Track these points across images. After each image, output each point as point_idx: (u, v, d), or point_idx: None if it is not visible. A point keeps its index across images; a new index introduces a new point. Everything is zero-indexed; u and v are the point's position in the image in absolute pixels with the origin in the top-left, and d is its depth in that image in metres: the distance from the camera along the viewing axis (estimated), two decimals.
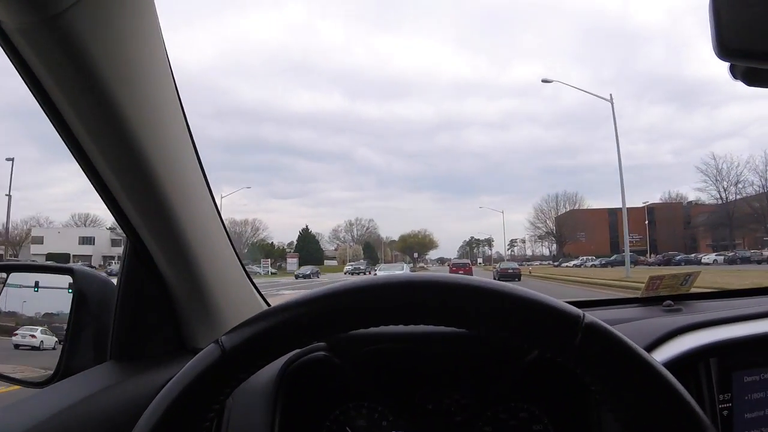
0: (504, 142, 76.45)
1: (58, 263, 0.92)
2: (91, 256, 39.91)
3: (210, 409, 0.44)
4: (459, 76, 78.10)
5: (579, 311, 0.43)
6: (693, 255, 34.89)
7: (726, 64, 0.50)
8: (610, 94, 17.64)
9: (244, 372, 0.44)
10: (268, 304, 1.00)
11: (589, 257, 39.21)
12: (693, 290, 1.05)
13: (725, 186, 41.34)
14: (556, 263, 41.90)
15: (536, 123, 74.47)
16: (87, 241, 43.22)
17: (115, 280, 0.82)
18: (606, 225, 48.90)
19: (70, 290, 0.86)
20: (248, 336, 0.44)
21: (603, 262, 35.55)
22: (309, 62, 75.33)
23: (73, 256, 38.14)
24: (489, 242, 65.34)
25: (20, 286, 0.91)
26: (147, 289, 0.79)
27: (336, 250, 56.20)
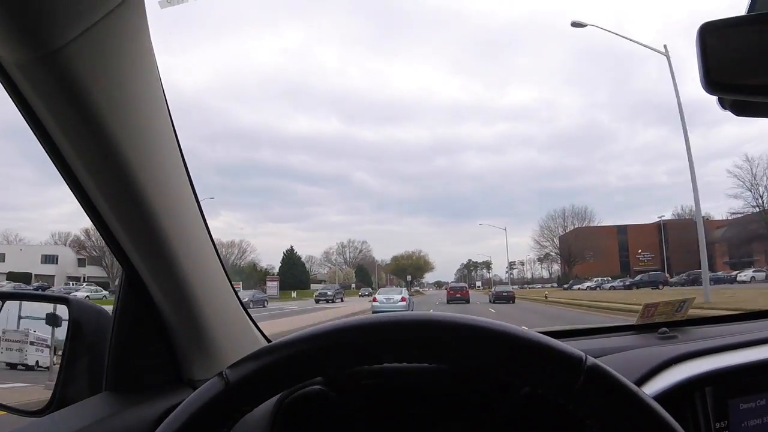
0: (500, 165, 79.16)
1: (53, 293, 0.97)
2: (53, 276, 38.95)
3: None
4: (455, 100, 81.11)
5: (581, 354, 0.46)
6: (722, 272, 32.89)
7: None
8: (665, 45, 16.56)
9: (247, 405, 0.48)
10: (264, 335, 1.06)
11: (605, 278, 37.55)
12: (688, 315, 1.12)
13: (761, 192, 38.19)
14: (565, 286, 40.96)
15: (531, 146, 77.54)
16: (50, 259, 42.09)
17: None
18: (615, 243, 48.80)
19: (48, 322, 0.92)
20: (252, 370, 0.48)
21: (627, 283, 33.45)
22: (306, 86, 77.91)
23: (35, 275, 37.42)
24: (487, 265, 65.86)
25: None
26: (142, 320, 0.83)
27: (327, 273, 55.90)
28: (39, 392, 0.89)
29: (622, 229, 48.91)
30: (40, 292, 1.30)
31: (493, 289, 29.47)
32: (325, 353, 0.47)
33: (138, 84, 0.63)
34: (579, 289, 35.65)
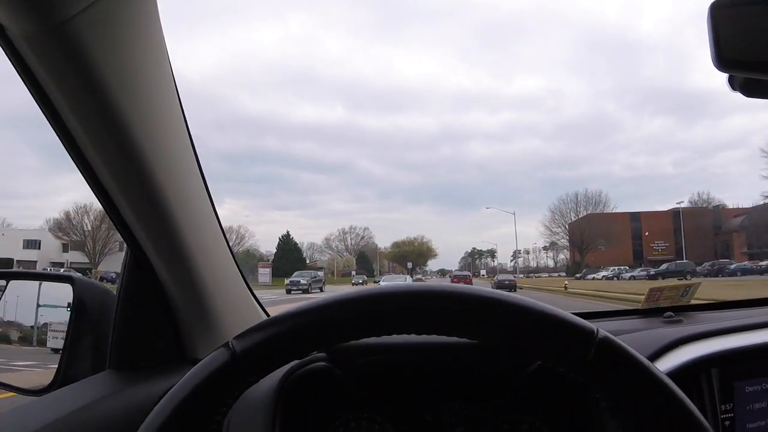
0: (505, 154, 79.75)
1: (57, 272, 1.02)
2: (36, 261, 38.92)
3: (218, 411, 0.49)
4: (460, 89, 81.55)
5: (593, 326, 0.48)
6: (749, 263, 30.62)
7: (725, 76, 0.60)
8: None
9: (253, 375, 0.50)
10: (268, 315, 1.11)
11: (622, 267, 36.20)
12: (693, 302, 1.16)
13: None
14: (578, 275, 39.45)
15: (537, 135, 77.99)
16: (32, 244, 42.01)
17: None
18: (628, 231, 48.42)
19: (41, 303, 0.96)
20: (259, 340, 0.49)
21: (651, 272, 30.88)
22: (311, 73, 78.46)
23: (17, 261, 37.37)
24: (492, 253, 65.72)
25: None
26: (147, 299, 0.87)
27: (327, 260, 55.43)
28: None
29: (635, 216, 48.30)
30: (44, 271, 1.33)
31: (495, 278, 30.94)
32: (333, 323, 0.49)
33: (146, 57, 0.64)
34: (594, 278, 33.77)
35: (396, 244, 60.52)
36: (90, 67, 0.56)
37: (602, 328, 0.48)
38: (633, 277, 30.92)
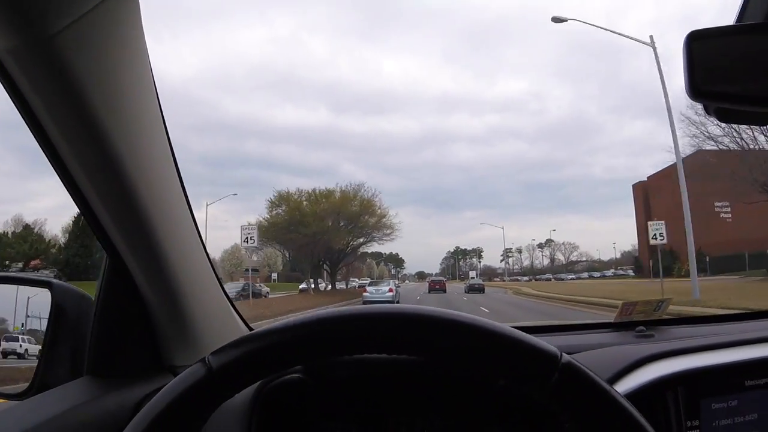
0: (488, 156, 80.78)
1: (36, 276, 1.01)
2: None
3: (193, 426, 0.50)
4: (444, 91, 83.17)
5: (556, 350, 0.49)
6: None
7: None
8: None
9: (229, 390, 0.51)
10: (246, 324, 1.10)
11: None
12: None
13: None
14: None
15: (520, 138, 78.73)
16: None
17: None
18: None
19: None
20: (235, 356, 0.50)
21: None
22: (294, 76, 78.93)
23: None
24: (478, 253, 65.26)
25: None
26: (125, 306, 0.87)
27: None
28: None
29: None
30: (23, 275, 1.32)
31: (467, 282, 34.92)
32: (307, 342, 0.50)
33: (130, 73, 0.65)
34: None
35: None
36: (73, 81, 0.56)
37: (573, 342, 0.50)
38: None
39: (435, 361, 0.51)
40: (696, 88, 0.53)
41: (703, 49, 0.53)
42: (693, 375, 0.83)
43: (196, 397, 0.49)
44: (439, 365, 0.83)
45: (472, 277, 44.77)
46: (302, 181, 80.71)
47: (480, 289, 27.26)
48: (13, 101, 0.61)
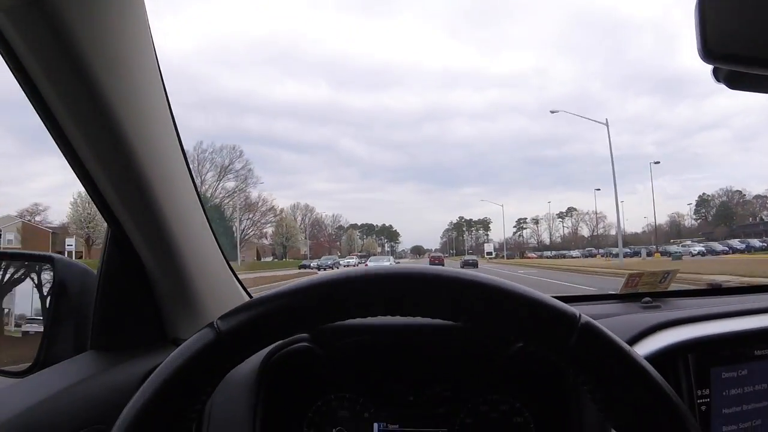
0: (490, 132, 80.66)
1: (37, 252, 0.99)
2: None
3: (202, 392, 0.49)
4: (446, 66, 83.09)
5: (575, 311, 0.47)
6: None
7: (709, 67, 0.60)
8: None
9: (238, 355, 0.49)
10: (251, 296, 1.10)
11: None
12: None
13: None
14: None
15: (523, 113, 78.70)
16: None
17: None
18: None
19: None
20: (244, 320, 0.49)
21: None
22: (295, 50, 78.96)
23: None
24: (485, 224, 59.48)
25: None
26: (128, 279, 0.86)
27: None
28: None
29: None
30: (24, 251, 1.31)
31: (462, 258, 37.87)
32: (316, 305, 0.49)
33: (129, 33, 0.63)
34: None
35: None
36: (72, 41, 0.55)
37: (581, 311, 0.48)
38: None
39: (453, 321, 0.49)
40: (708, 50, 0.51)
41: (716, 9, 0.52)
42: (703, 343, 0.83)
43: (206, 362, 0.48)
44: (449, 330, 0.83)
45: (471, 253, 45.62)
46: (302, 158, 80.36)
47: (474, 264, 30.50)
48: (9, 67, 0.59)
